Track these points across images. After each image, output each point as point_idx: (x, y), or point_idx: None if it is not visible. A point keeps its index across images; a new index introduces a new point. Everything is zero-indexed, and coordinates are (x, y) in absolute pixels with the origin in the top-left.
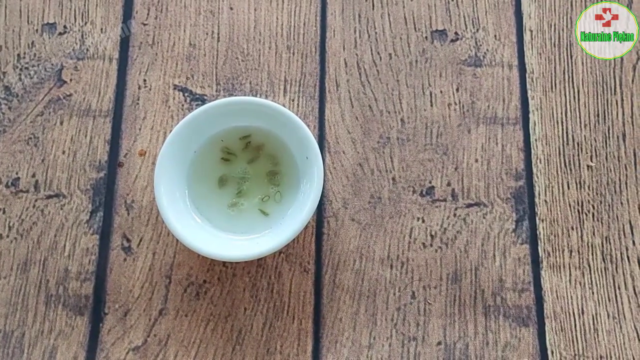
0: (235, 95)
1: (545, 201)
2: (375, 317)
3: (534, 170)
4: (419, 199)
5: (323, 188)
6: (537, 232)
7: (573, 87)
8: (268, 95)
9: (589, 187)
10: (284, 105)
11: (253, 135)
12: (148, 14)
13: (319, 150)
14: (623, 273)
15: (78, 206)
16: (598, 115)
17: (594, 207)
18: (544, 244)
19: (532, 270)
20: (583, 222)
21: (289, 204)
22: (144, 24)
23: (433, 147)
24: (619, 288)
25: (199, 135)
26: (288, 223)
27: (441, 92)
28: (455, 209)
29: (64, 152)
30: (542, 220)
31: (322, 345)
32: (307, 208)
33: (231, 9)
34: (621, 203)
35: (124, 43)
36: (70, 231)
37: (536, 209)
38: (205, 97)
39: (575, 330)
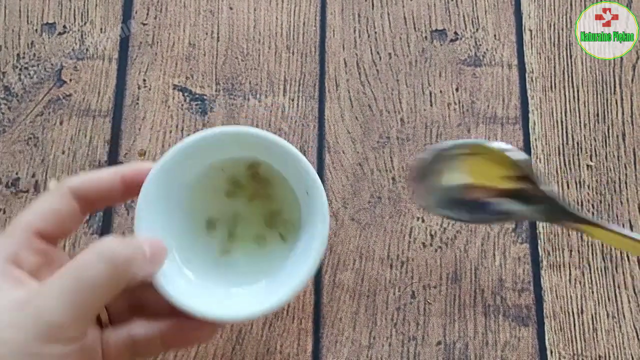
0: (235, 96)
1: None
2: (375, 316)
3: (534, 169)
4: None
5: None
6: (537, 232)
7: (573, 86)
8: (267, 94)
9: (588, 187)
10: (283, 106)
11: (260, 165)
12: (148, 14)
13: (321, 184)
14: (623, 272)
15: None
16: (598, 115)
17: (593, 207)
18: (544, 243)
19: (532, 269)
20: None
21: (289, 248)
22: (144, 24)
23: None
24: (618, 287)
25: (191, 165)
26: (292, 271)
27: (441, 91)
28: None
29: (63, 152)
30: None
31: (322, 345)
32: (314, 252)
33: (231, 8)
34: (621, 202)
35: (124, 43)
36: None
37: None
38: (205, 97)
39: (575, 330)
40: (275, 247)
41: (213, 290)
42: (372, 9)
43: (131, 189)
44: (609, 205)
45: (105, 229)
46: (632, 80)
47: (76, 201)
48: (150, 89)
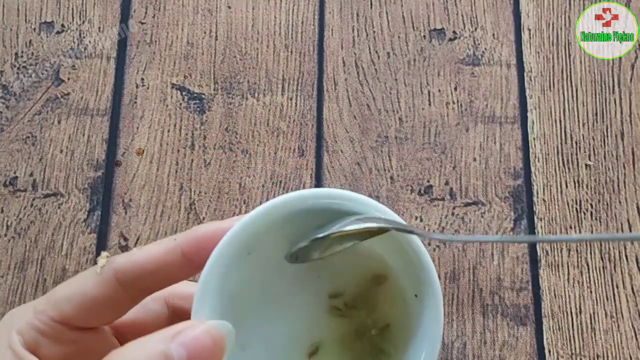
0: (233, 95)
1: (544, 200)
2: None
3: (532, 169)
4: (417, 198)
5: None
6: (536, 231)
7: (571, 85)
8: (266, 93)
9: (587, 186)
10: (282, 105)
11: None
12: (146, 13)
13: (438, 285)
14: (621, 272)
15: (75, 205)
16: (596, 114)
17: (592, 206)
18: (542, 242)
19: (530, 269)
20: (581, 220)
21: None
22: (142, 23)
23: (431, 146)
24: (617, 287)
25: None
26: None
27: (439, 91)
28: (454, 208)
29: (61, 151)
30: (541, 219)
31: None
32: None
33: (229, 7)
34: (619, 202)
35: (122, 42)
36: (67, 230)
37: (534, 208)
38: (203, 96)
39: (573, 329)
40: None
41: None
42: (371, 8)
43: (196, 262)
44: (607, 204)
45: (102, 228)
46: (631, 79)
47: (123, 288)
48: (148, 88)
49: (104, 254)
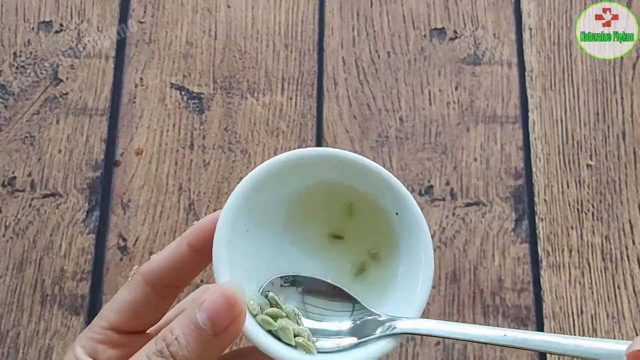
0: (232, 94)
1: (545, 200)
2: None
3: (534, 169)
4: (418, 198)
5: None
6: (537, 232)
7: (573, 85)
8: (265, 93)
9: (588, 186)
10: (282, 104)
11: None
12: (145, 12)
13: (414, 201)
14: (623, 272)
15: (74, 205)
16: (598, 114)
17: (593, 206)
18: (544, 243)
19: (532, 269)
20: (583, 221)
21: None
22: (141, 22)
23: (432, 146)
24: (618, 288)
25: (266, 199)
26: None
27: (440, 90)
28: (454, 208)
29: (60, 151)
30: (542, 220)
31: None
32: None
33: (228, 6)
34: (621, 202)
35: (121, 41)
36: (66, 230)
37: (535, 208)
38: (202, 96)
39: (574, 331)
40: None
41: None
42: (371, 7)
43: (204, 252)
44: (609, 204)
45: (101, 229)
46: (632, 79)
47: (151, 288)
48: (147, 88)
49: (134, 267)
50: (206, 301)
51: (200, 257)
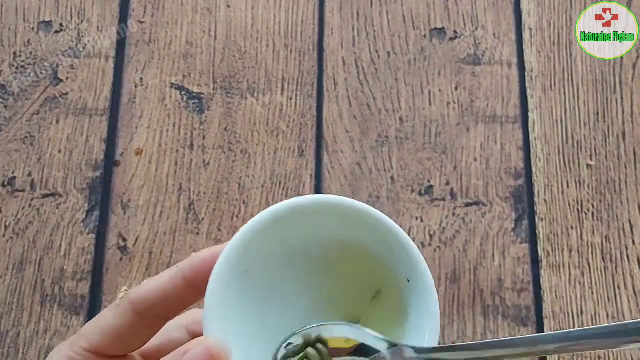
0: (232, 94)
1: (545, 200)
2: None
3: (534, 169)
4: (418, 198)
5: (321, 189)
6: (537, 232)
7: (573, 85)
8: (265, 93)
9: (588, 186)
10: (281, 104)
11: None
12: (145, 12)
13: (427, 270)
14: (623, 272)
15: (74, 205)
16: (598, 114)
17: (593, 206)
18: (544, 243)
19: (532, 269)
20: (583, 221)
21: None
22: (141, 22)
23: (432, 146)
24: (618, 288)
25: (269, 246)
26: None
27: (440, 90)
28: (454, 208)
29: (60, 151)
30: (542, 220)
31: None
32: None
33: (228, 6)
34: (621, 202)
35: (121, 41)
36: (66, 230)
37: (535, 208)
38: (202, 96)
39: None
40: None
41: None
42: (371, 7)
43: (199, 287)
44: (609, 204)
45: (101, 229)
46: (633, 79)
47: (138, 316)
48: (147, 88)
49: (123, 288)
50: (191, 352)
51: (195, 292)
